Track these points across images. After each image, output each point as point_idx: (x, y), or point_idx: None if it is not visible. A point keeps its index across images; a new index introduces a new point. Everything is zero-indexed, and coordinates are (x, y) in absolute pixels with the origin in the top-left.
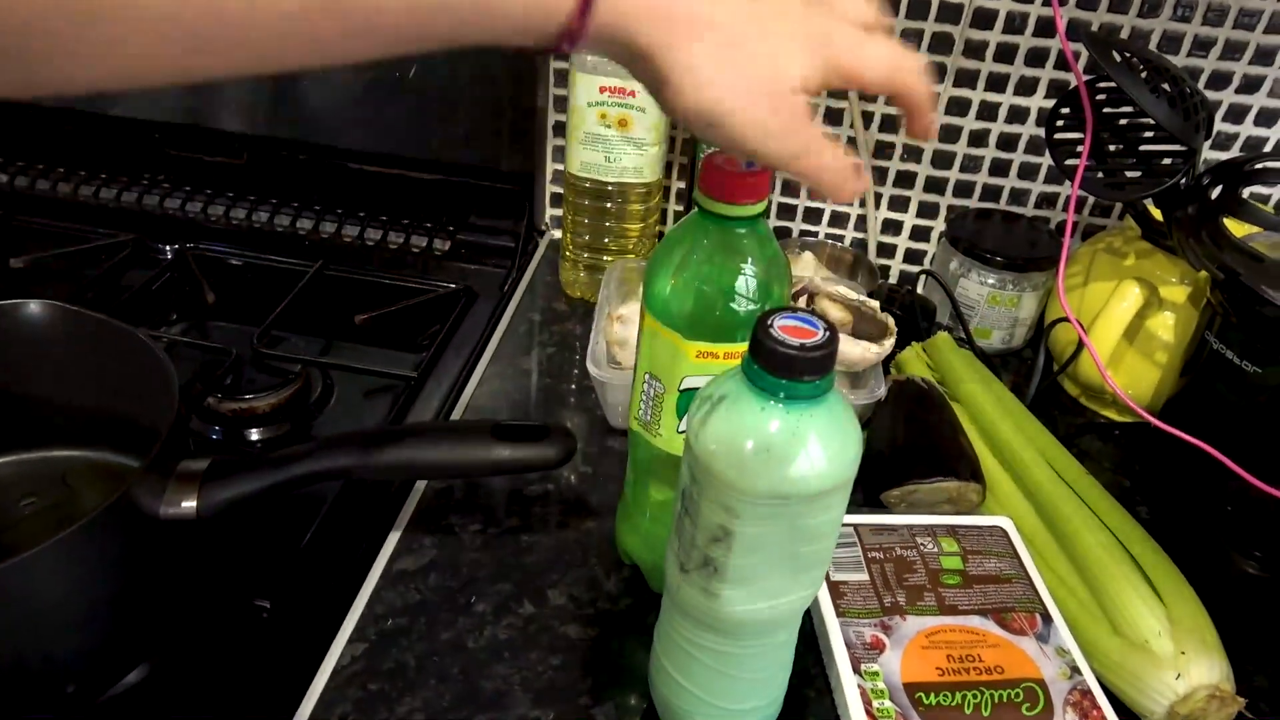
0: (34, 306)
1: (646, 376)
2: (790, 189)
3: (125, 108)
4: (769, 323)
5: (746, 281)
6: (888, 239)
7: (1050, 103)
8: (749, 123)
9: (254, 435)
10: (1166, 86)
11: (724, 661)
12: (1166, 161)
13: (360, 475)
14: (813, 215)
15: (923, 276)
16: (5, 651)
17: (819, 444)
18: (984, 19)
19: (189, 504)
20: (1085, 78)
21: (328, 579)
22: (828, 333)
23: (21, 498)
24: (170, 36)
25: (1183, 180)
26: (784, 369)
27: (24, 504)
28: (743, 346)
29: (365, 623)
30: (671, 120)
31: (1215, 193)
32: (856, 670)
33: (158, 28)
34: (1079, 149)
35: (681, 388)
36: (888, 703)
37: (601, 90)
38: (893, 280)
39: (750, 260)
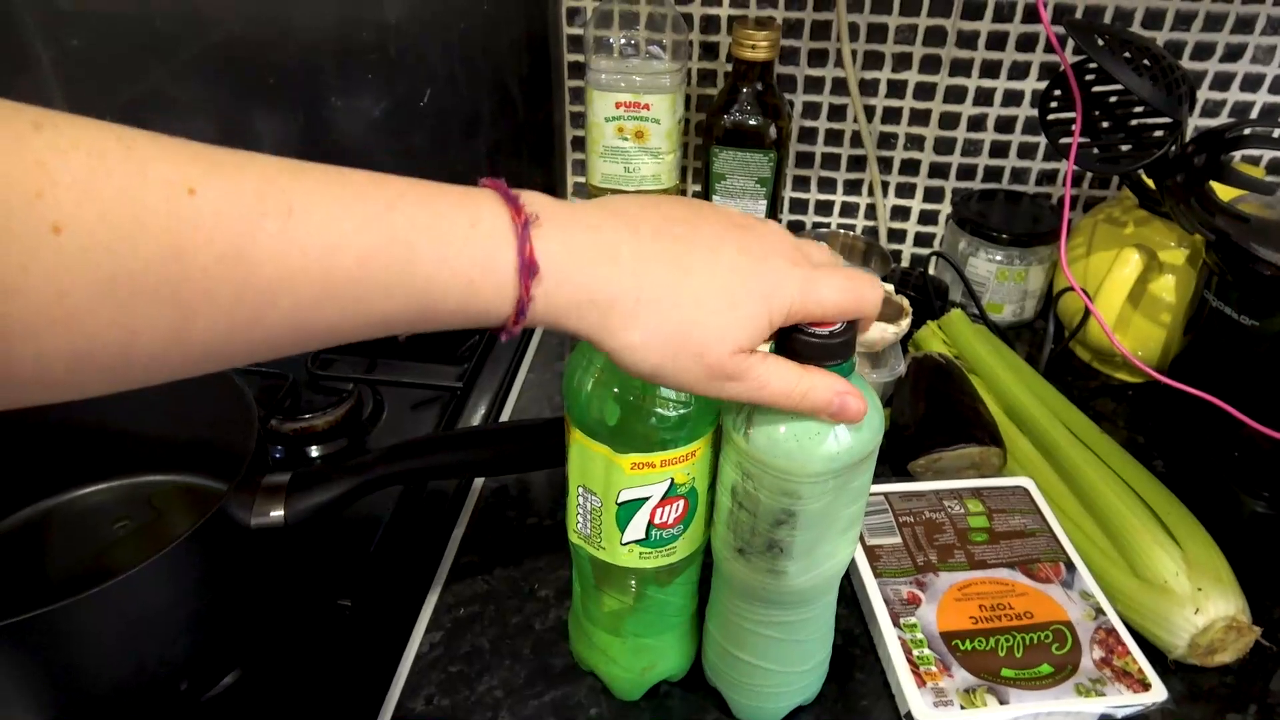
0: None
1: (580, 490)
2: (800, 183)
3: None
4: (796, 327)
5: None
6: (898, 225)
7: (1043, 84)
8: (689, 381)
9: (314, 452)
10: (1148, 64)
11: (789, 630)
12: (1155, 134)
13: (428, 475)
14: (824, 208)
15: (934, 258)
16: (127, 654)
17: None
18: (973, 10)
19: (277, 514)
20: (1073, 59)
21: (401, 577)
22: (845, 323)
23: (114, 521)
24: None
25: (1171, 150)
26: (815, 358)
27: (117, 527)
28: (682, 451)
29: (440, 613)
30: (685, 127)
31: (1200, 160)
32: (896, 624)
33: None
34: (1072, 128)
35: (620, 501)
36: (927, 650)
37: (617, 106)
38: (905, 264)
39: None
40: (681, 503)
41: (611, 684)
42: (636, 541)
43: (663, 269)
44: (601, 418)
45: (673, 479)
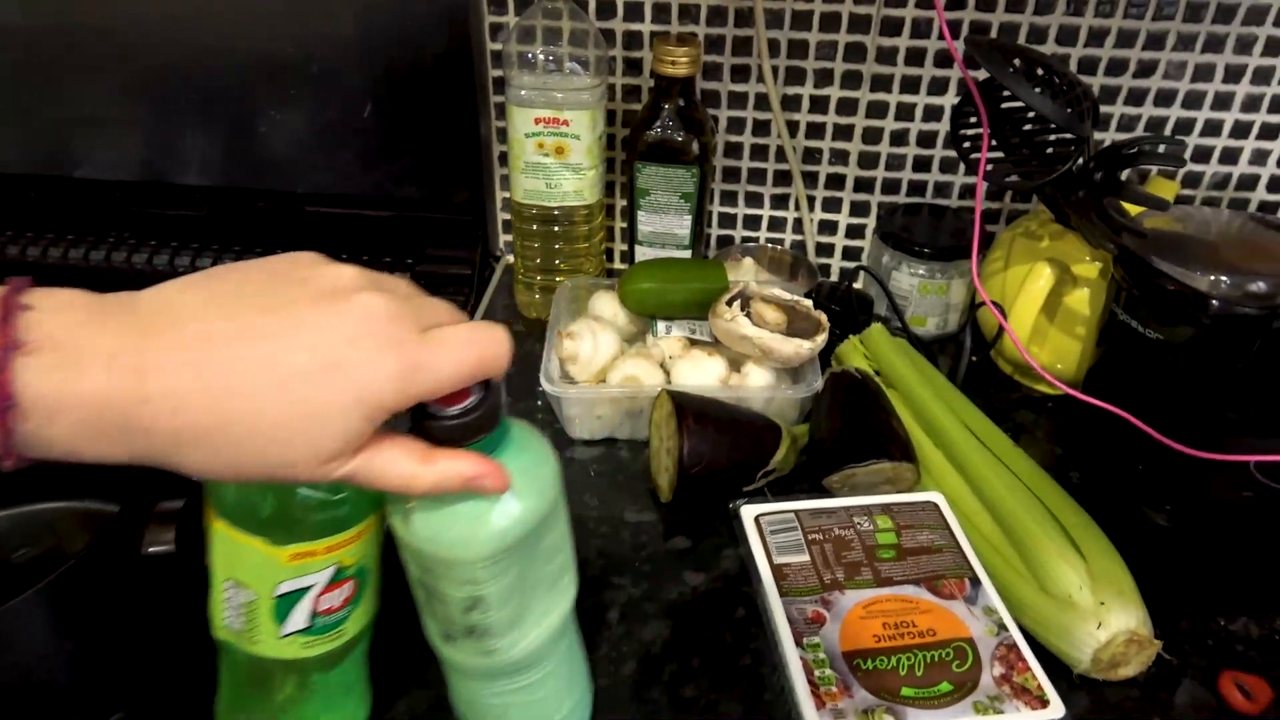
0: None
1: (228, 584)
2: (727, 198)
3: (88, 170)
4: (425, 405)
5: None
6: (826, 239)
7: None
8: (294, 483)
9: None
10: (1050, 80)
11: (531, 690)
12: (1061, 150)
13: None
14: (752, 222)
15: (860, 272)
16: (13, 685)
17: (521, 481)
18: (892, 26)
19: (168, 539)
20: (985, 77)
21: None
22: (482, 390)
23: (15, 549)
24: None
25: (1075, 166)
26: (450, 443)
27: (18, 555)
28: (350, 533)
29: None
30: (608, 143)
31: (1099, 176)
32: (799, 644)
33: None
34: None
35: (278, 595)
36: (828, 670)
37: (536, 121)
38: (834, 277)
39: None
40: (350, 584)
41: None
42: (299, 631)
43: (218, 391)
44: (251, 510)
45: (339, 564)
